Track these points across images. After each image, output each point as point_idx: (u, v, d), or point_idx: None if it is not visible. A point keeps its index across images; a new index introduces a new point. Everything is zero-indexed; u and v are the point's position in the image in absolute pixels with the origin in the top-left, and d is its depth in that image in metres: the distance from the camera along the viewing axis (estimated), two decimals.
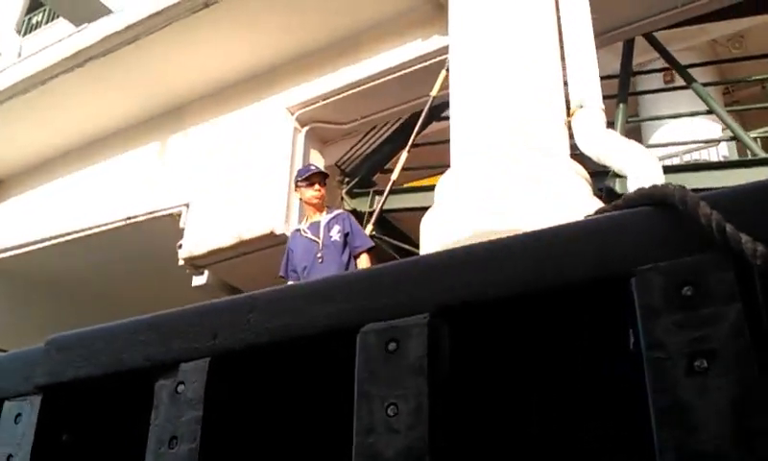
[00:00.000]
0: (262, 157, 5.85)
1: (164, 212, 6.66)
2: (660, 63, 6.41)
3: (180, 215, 6.44)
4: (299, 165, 5.92)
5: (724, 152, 6.85)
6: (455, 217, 2.93)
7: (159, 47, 6.17)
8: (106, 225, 7.03)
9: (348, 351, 1.25)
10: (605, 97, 3.56)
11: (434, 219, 3.10)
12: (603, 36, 4.67)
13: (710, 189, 0.92)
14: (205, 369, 1.37)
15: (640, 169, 2.78)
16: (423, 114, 4.85)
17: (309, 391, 1.35)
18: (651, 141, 7.59)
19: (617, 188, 4.56)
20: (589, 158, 3.15)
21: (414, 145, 7.70)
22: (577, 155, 3.15)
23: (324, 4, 5.45)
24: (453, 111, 3.45)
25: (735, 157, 6.23)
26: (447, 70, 4.61)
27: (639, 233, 1.00)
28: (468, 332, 1.18)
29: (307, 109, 5.96)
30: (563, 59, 3.50)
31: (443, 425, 1.13)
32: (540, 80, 3.33)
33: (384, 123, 7.05)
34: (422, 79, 5.36)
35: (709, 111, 5.65)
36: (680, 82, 6.43)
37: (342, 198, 7.30)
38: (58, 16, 8.00)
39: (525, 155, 3.08)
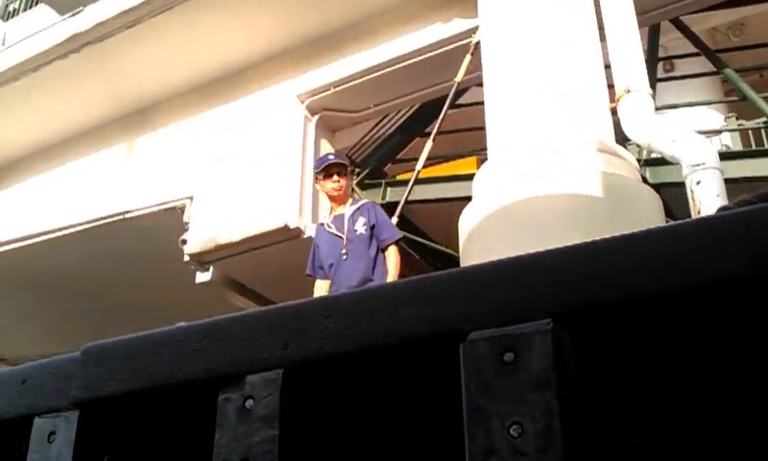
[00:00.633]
0: (272, 147, 5.74)
1: (165, 206, 6.54)
2: (662, 51, 6.33)
3: (183, 209, 6.31)
4: (310, 155, 5.81)
5: (726, 141, 6.77)
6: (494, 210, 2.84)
7: (160, 31, 6.04)
8: (101, 220, 6.90)
9: (447, 361, 1.15)
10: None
11: (473, 213, 3.00)
12: None
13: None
14: (278, 381, 1.27)
15: (696, 156, 2.68)
16: (448, 100, 4.74)
17: (396, 404, 1.24)
18: None
19: (649, 178, 4.48)
20: None
21: (426, 134, 7.62)
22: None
23: None
24: (488, 100, 3.35)
25: (740, 146, 6.16)
26: (472, 55, 4.50)
27: None
28: (592, 339, 1.08)
29: (318, 96, 5.85)
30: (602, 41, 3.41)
31: (575, 447, 1.03)
32: (579, 64, 3.23)
33: (396, 112, 6.95)
34: (443, 64, 5.26)
35: (744, 98, 5.56)
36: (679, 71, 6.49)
37: (352, 189, 7.20)
38: (37, 3, 7.86)
39: (563, 145, 2.99)
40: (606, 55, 3.54)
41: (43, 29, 6.95)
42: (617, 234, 1.08)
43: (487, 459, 1.01)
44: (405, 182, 7.39)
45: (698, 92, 6.05)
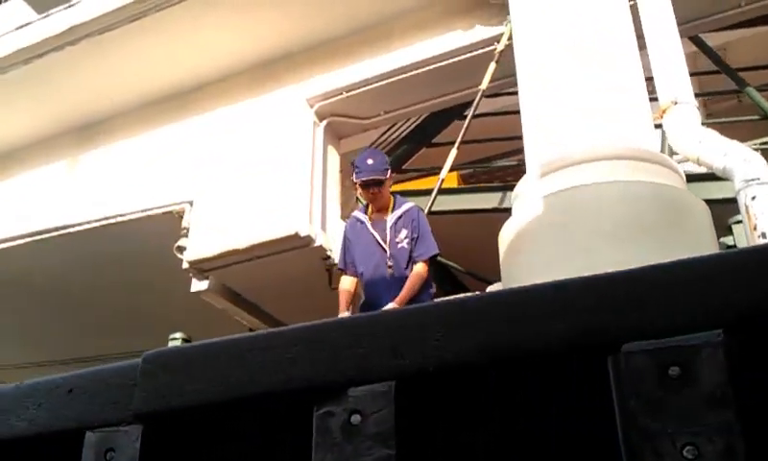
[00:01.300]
0: (279, 151, 5.66)
1: (162, 210, 6.41)
2: None
3: (181, 213, 6.19)
4: (319, 162, 5.74)
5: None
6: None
7: (163, 27, 5.96)
8: (91, 222, 6.75)
9: (586, 373, 1.08)
10: None
11: (516, 225, 2.94)
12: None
13: None
14: (391, 395, 1.19)
15: (751, 171, 2.67)
16: (473, 108, 4.71)
17: (526, 419, 1.16)
18: None
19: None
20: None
21: (433, 144, 7.61)
22: None
23: None
24: (524, 111, 3.32)
25: None
26: (497, 63, 4.48)
27: None
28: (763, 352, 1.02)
29: (328, 101, 5.79)
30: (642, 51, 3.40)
31: None
32: (621, 74, 3.22)
33: (405, 121, 6.93)
34: (460, 72, 5.24)
35: (766, 117, 5.61)
36: None
37: (357, 198, 7.15)
38: None
39: (607, 154, 2.96)
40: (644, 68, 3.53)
41: (37, 19, 6.83)
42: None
43: None
44: (412, 193, 7.37)
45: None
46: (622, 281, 1.09)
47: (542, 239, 2.65)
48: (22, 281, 7.68)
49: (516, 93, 5.61)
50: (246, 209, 5.47)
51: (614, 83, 3.13)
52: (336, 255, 5.67)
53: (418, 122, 7.29)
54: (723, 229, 3.53)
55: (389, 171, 3.85)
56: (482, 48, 5.06)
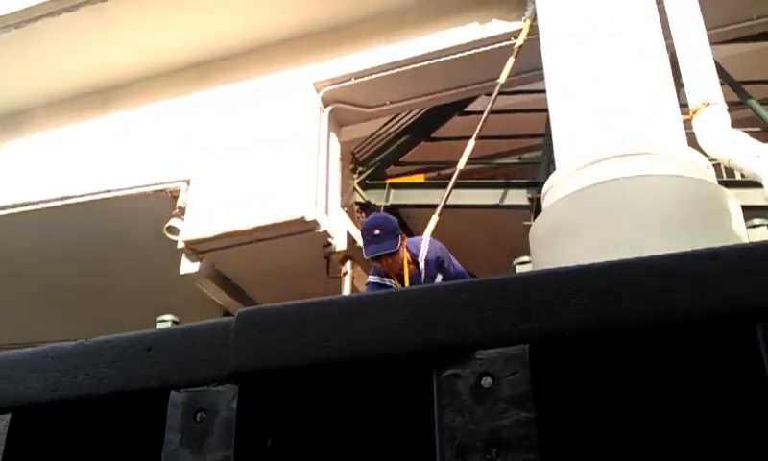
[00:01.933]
0: (283, 133, 5.58)
1: (155, 188, 6.26)
2: None
3: (176, 192, 6.06)
4: (324, 147, 5.68)
5: None
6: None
7: None
8: (78, 197, 6.56)
9: (729, 342, 1.07)
10: None
11: (550, 220, 2.94)
12: None
13: None
14: (525, 358, 1.16)
15: None
16: (492, 101, 4.71)
17: (664, 388, 1.14)
18: None
19: None
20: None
21: (430, 139, 7.60)
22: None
23: None
24: (553, 110, 3.32)
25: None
26: (516, 58, 4.48)
27: None
28: None
29: (336, 86, 5.73)
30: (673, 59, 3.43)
31: None
32: (651, 74, 3.25)
33: (407, 112, 6.90)
34: (474, 65, 5.23)
35: None
36: None
37: (354, 189, 7.11)
38: None
39: (639, 150, 2.98)
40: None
41: None
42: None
43: None
44: (409, 185, 7.37)
45: None
46: None
47: (588, 228, 2.66)
48: (4, 255, 7.42)
49: (511, 93, 5.64)
50: (248, 190, 5.37)
51: (646, 79, 3.15)
52: (337, 243, 5.62)
53: (418, 116, 7.28)
54: None
55: (399, 236, 3.40)
56: (498, 43, 5.07)
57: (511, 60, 4.66)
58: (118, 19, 6.05)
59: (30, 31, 6.56)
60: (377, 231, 3.40)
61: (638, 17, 3.44)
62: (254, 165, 5.50)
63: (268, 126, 5.69)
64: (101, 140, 6.56)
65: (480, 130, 4.65)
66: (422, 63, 5.43)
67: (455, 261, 3.54)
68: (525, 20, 4.67)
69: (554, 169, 3.22)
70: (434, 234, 4.06)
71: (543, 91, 6.60)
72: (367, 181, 7.23)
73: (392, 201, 6.84)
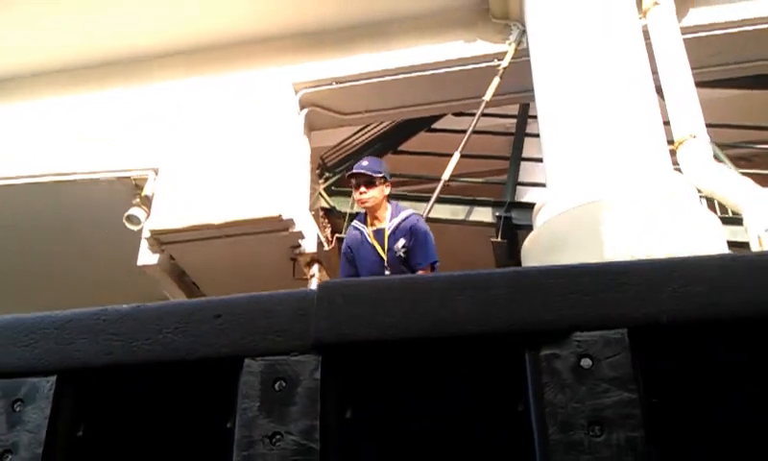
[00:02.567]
0: (259, 130, 5.51)
1: (119, 174, 6.05)
2: None
3: (142, 181, 5.87)
4: (298, 149, 5.64)
5: None
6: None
7: None
8: (37, 176, 6.25)
9: None
10: None
11: (544, 239, 3.04)
12: None
13: None
14: (625, 342, 1.21)
15: (759, 208, 2.90)
16: (476, 117, 4.81)
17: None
18: None
19: None
20: None
21: (398, 152, 7.69)
22: None
23: None
24: (543, 132, 3.45)
25: None
26: (501, 78, 4.61)
27: None
28: None
29: (316, 89, 5.72)
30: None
31: None
32: (637, 105, 3.42)
33: (377, 124, 6.95)
34: (455, 83, 5.34)
35: None
36: None
37: (319, 194, 7.09)
38: None
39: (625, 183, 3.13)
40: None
41: None
42: None
43: None
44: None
45: None
46: None
47: (584, 239, 2.76)
48: None
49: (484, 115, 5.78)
50: (222, 184, 5.27)
51: (633, 104, 3.31)
52: (307, 245, 5.58)
53: (387, 128, 7.35)
54: None
55: (383, 177, 3.74)
56: (481, 63, 5.19)
57: (496, 79, 4.80)
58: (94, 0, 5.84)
59: None
60: (365, 163, 3.79)
61: (626, 49, 3.62)
62: (229, 160, 5.41)
63: (244, 122, 5.61)
64: (68, 121, 6.28)
65: (463, 147, 4.75)
66: (405, 75, 5.50)
67: (431, 249, 3.68)
68: (510, 44, 4.83)
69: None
70: None
71: (513, 116, 6.85)
72: (333, 188, 7.24)
73: (356, 208, 6.84)
